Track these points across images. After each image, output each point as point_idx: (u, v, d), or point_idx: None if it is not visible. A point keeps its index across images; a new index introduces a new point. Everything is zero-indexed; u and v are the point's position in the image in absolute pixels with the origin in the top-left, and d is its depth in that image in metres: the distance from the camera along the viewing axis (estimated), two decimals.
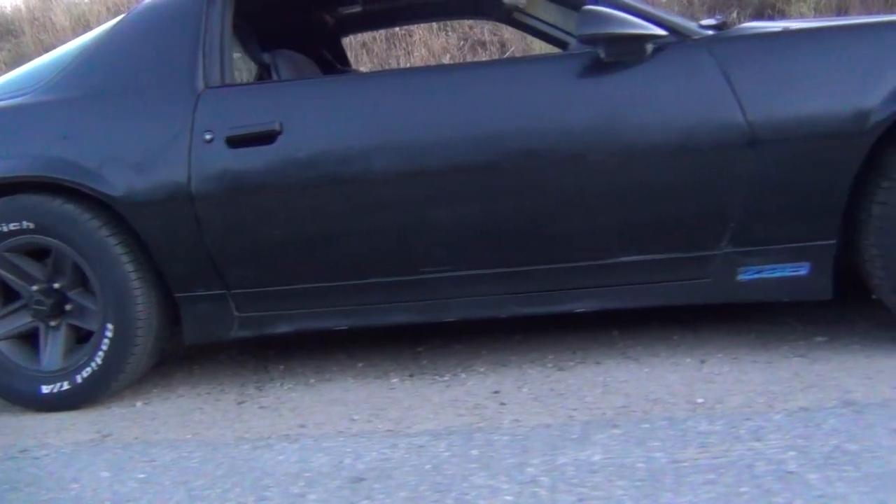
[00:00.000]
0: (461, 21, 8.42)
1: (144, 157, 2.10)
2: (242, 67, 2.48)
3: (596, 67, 1.93)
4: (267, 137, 2.03)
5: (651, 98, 1.91)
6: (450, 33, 8.34)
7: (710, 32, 1.96)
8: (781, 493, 1.33)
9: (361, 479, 1.57)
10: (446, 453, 1.65)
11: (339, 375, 2.28)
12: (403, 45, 8.29)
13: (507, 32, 8.25)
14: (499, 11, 3.03)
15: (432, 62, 8.14)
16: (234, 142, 2.05)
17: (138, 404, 2.25)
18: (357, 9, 2.84)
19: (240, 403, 2.17)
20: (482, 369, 2.20)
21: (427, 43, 8.22)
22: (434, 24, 8.35)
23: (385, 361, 2.36)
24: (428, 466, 1.59)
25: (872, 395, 1.70)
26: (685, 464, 1.47)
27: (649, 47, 1.90)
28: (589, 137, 1.93)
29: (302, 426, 1.94)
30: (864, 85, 1.82)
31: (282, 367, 2.44)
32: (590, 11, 1.85)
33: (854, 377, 1.82)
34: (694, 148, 1.89)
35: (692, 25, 1.95)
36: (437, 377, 2.18)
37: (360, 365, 2.36)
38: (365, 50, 8.38)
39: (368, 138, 2.01)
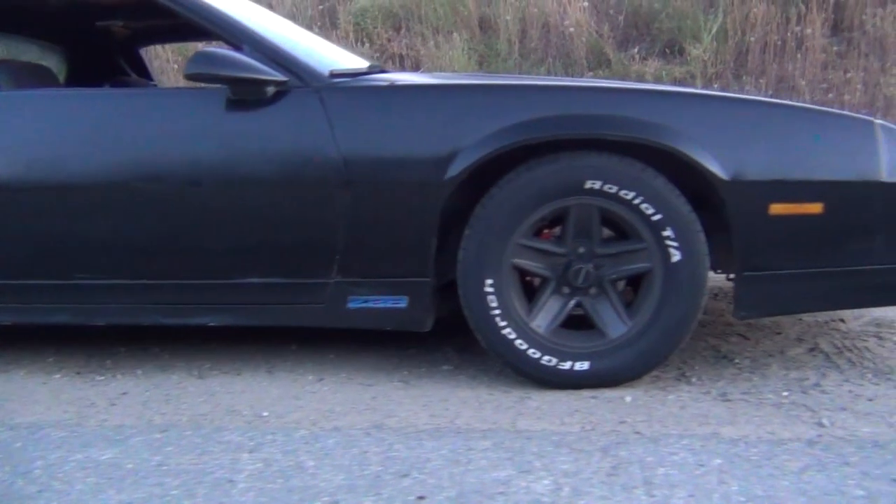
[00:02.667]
0: (380, 33, 8.63)
1: None
2: None
3: (224, 103, 2.11)
4: None
5: (266, 135, 2.09)
6: (366, 45, 8.53)
7: (336, 80, 2.13)
8: (203, 496, 1.51)
9: None
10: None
11: (27, 368, 2.44)
12: None
13: (424, 49, 8.47)
14: None
15: None
16: None
17: None
18: (118, 24, 3.01)
19: None
20: (140, 372, 2.37)
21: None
22: (351, 34, 8.54)
23: (79, 358, 2.52)
24: None
25: (403, 423, 1.89)
26: (165, 468, 1.65)
27: (270, 90, 2.08)
28: (210, 166, 2.11)
29: None
30: (444, 141, 2.01)
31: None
32: (203, 53, 2.03)
33: (415, 404, 2.01)
34: (299, 184, 2.08)
35: (319, 72, 2.13)
36: (98, 377, 2.35)
37: (50, 360, 2.53)
38: None
39: (23, 151, 2.19)
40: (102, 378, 2.34)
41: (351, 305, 2.15)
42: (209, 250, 2.17)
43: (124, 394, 2.19)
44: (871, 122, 1.97)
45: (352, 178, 2.05)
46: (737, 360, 2.28)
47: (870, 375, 2.11)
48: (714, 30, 7.67)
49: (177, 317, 2.25)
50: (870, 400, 1.94)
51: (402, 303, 2.13)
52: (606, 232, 2.13)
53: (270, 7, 9.08)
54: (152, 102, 2.23)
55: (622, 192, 1.96)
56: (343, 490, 1.52)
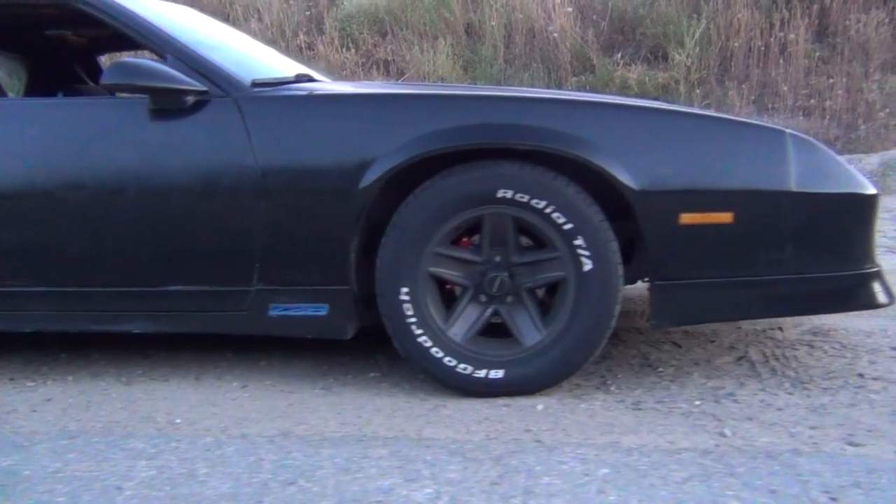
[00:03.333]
0: (366, 39, 8.65)
1: None
2: None
3: (146, 113, 2.12)
4: None
5: (186, 144, 2.11)
6: (352, 51, 8.56)
7: (256, 90, 2.15)
8: (87, 502, 1.52)
9: None
10: None
11: None
12: (305, 58, 8.50)
13: (409, 54, 8.49)
14: None
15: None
16: None
17: None
18: (68, 33, 3.04)
19: None
20: (71, 378, 2.39)
21: (328, 58, 8.44)
22: (336, 40, 8.57)
23: (18, 364, 2.55)
24: None
25: (311, 430, 1.90)
26: (60, 475, 1.67)
27: (189, 99, 2.10)
28: (132, 175, 2.13)
29: None
30: (358, 150, 2.03)
31: None
32: (121, 63, 2.05)
33: (330, 411, 2.02)
34: (218, 193, 2.10)
35: (239, 81, 2.15)
36: (29, 383, 2.38)
37: None
38: None
39: None
40: (33, 384, 2.36)
41: (272, 313, 2.16)
42: (134, 258, 2.19)
43: (48, 400, 2.20)
44: (783, 132, 1.97)
45: (269, 187, 2.06)
46: (661, 369, 2.29)
47: (787, 385, 2.11)
48: (696, 35, 7.67)
49: (105, 324, 2.26)
50: (779, 410, 1.95)
51: (322, 311, 2.14)
52: (529, 241, 2.14)
53: (258, 12, 9.14)
54: (77, 111, 2.24)
55: (534, 202, 1.97)
56: (226, 498, 1.53)
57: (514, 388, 2.05)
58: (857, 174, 1.99)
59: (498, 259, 2.06)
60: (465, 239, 2.14)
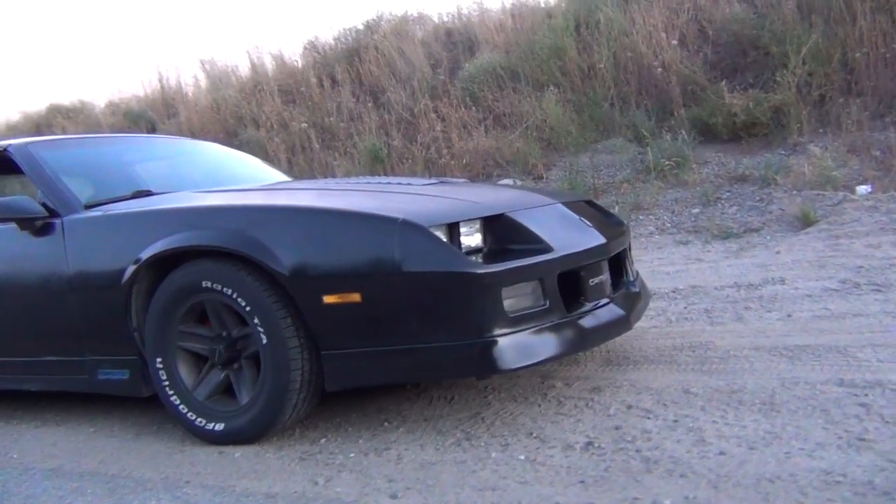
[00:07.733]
0: (486, 95, 9.25)
1: None
2: None
3: (17, 233, 3.00)
4: None
5: (35, 256, 2.94)
6: (472, 108, 9.18)
7: (84, 211, 2.93)
8: None
9: None
10: None
11: None
12: (429, 119, 9.28)
13: (524, 105, 8.91)
14: None
15: (452, 133, 9.05)
16: None
17: None
18: None
19: None
20: None
21: (450, 117, 9.14)
22: (458, 99, 9.26)
23: None
24: None
25: (52, 464, 2.58)
26: None
27: (38, 223, 2.94)
28: (7, 280, 3.01)
29: None
30: (121, 256, 2.70)
31: None
32: None
33: (103, 452, 2.68)
34: (53, 291, 2.89)
35: (72, 205, 2.94)
36: None
37: None
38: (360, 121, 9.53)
39: None
40: None
41: (100, 377, 2.89)
42: (19, 337, 3.06)
43: None
44: (394, 220, 2.28)
45: (77, 286, 2.81)
46: (388, 423, 2.62)
47: (450, 442, 2.35)
48: (803, 51, 7.23)
49: (11, 383, 3.15)
50: (398, 463, 2.23)
51: (125, 375, 2.83)
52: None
53: (400, 82, 10.12)
54: None
55: (224, 289, 2.49)
56: None
57: (231, 437, 2.56)
58: (460, 255, 2.24)
59: (224, 334, 2.59)
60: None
